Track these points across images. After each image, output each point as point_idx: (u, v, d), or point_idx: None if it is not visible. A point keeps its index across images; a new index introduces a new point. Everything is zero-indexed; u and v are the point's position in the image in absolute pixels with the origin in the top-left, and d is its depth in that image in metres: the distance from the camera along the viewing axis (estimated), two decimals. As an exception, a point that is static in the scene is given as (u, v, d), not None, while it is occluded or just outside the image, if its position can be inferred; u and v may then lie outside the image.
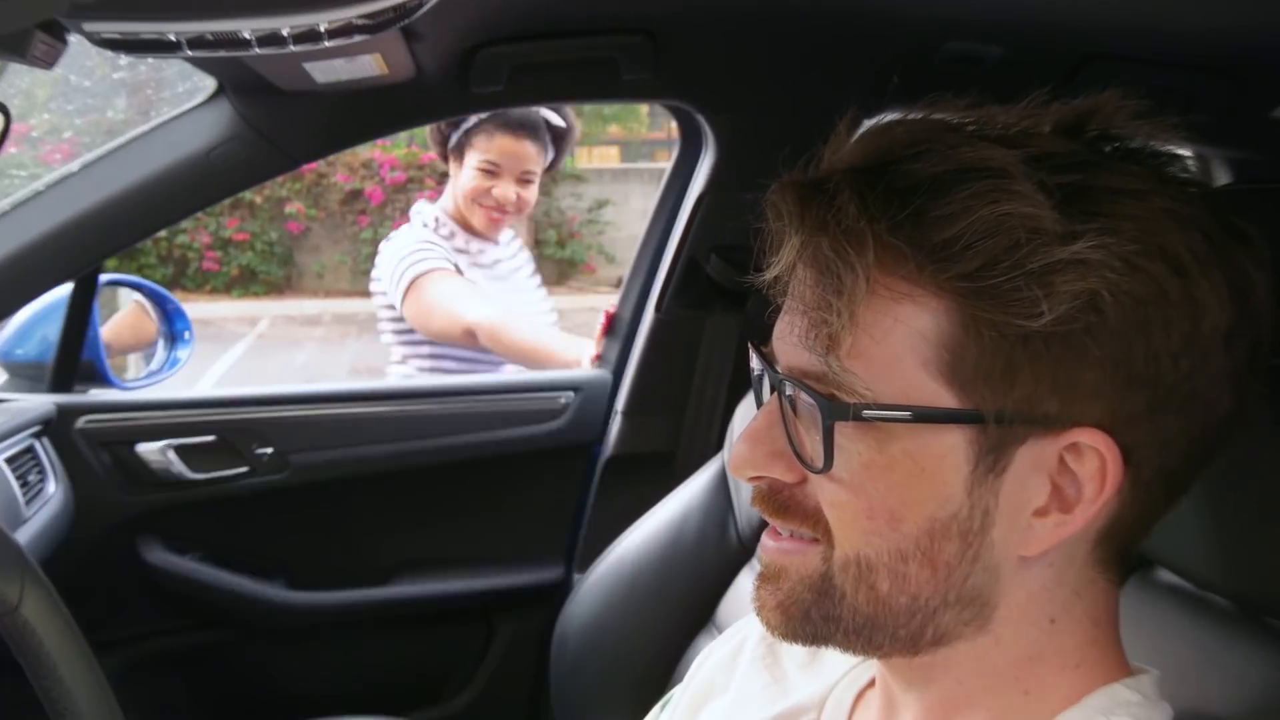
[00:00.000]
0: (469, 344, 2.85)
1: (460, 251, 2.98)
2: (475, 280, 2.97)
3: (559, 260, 14.83)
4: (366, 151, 13.46)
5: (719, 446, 2.34)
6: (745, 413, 1.94)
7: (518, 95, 2.06)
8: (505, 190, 2.93)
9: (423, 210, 3.02)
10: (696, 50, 2.01)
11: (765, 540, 0.86)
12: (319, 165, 13.32)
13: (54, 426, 2.28)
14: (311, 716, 2.12)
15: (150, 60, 2.20)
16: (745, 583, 1.85)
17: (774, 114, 2.13)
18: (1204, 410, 0.77)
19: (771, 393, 0.85)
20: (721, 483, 2.03)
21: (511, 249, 3.13)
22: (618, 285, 3.04)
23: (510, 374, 2.94)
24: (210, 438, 2.40)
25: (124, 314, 2.65)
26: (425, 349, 2.95)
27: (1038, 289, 0.72)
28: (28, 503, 2.04)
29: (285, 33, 1.26)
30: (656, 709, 1.16)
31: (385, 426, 2.51)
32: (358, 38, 1.31)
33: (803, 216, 0.78)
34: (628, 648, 2.03)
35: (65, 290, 2.31)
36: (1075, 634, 0.82)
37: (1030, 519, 0.78)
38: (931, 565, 0.79)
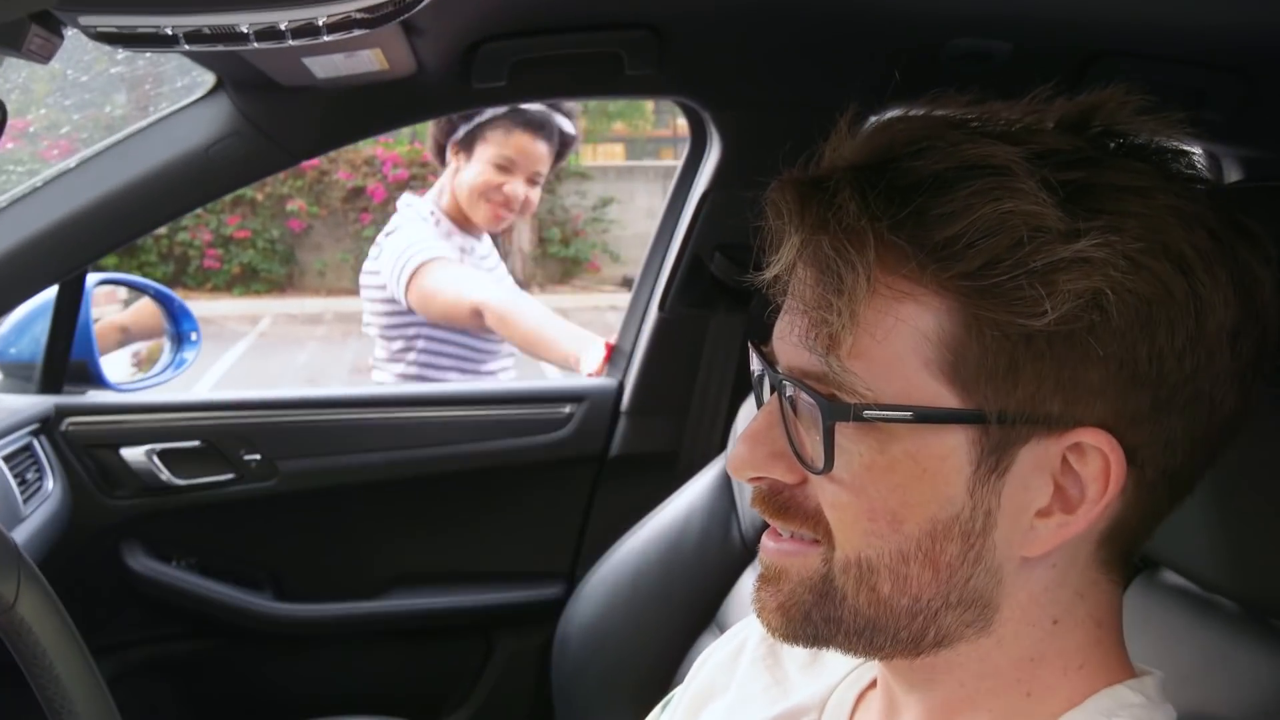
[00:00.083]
0: (474, 325, 2.84)
1: (462, 251, 2.97)
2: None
3: (563, 259, 14.85)
4: (369, 149, 13.48)
5: (722, 447, 2.33)
6: (748, 413, 1.94)
7: (520, 91, 2.05)
8: (517, 188, 2.93)
9: (412, 203, 3.01)
10: (701, 46, 2.00)
11: (765, 541, 0.86)
12: (321, 163, 13.36)
13: (48, 426, 2.27)
14: None
15: (148, 55, 2.18)
16: (748, 584, 1.84)
17: (779, 111, 2.12)
18: (1208, 410, 0.77)
19: (772, 393, 0.84)
20: (725, 483, 2.03)
21: (489, 247, 3.13)
22: (622, 284, 3.03)
23: (513, 383, 2.93)
24: (196, 443, 2.38)
25: (143, 301, 2.63)
26: (420, 343, 2.94)
27: (1040, 288, 0.71)
28: (25, 501, 2.04)
29: (283, 27, 1.25)
30: (657, 710, 1.16)
31: (380, 434, 2.48)
32: (357, 32, 1.30)
33: (803, 215, 0.77)
34: (630, 649, 2.02)
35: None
36: (1078, 635, 0.81)
37: (1033, 520, 0.77)
38: (933, 566, 0.78)
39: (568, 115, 2.99)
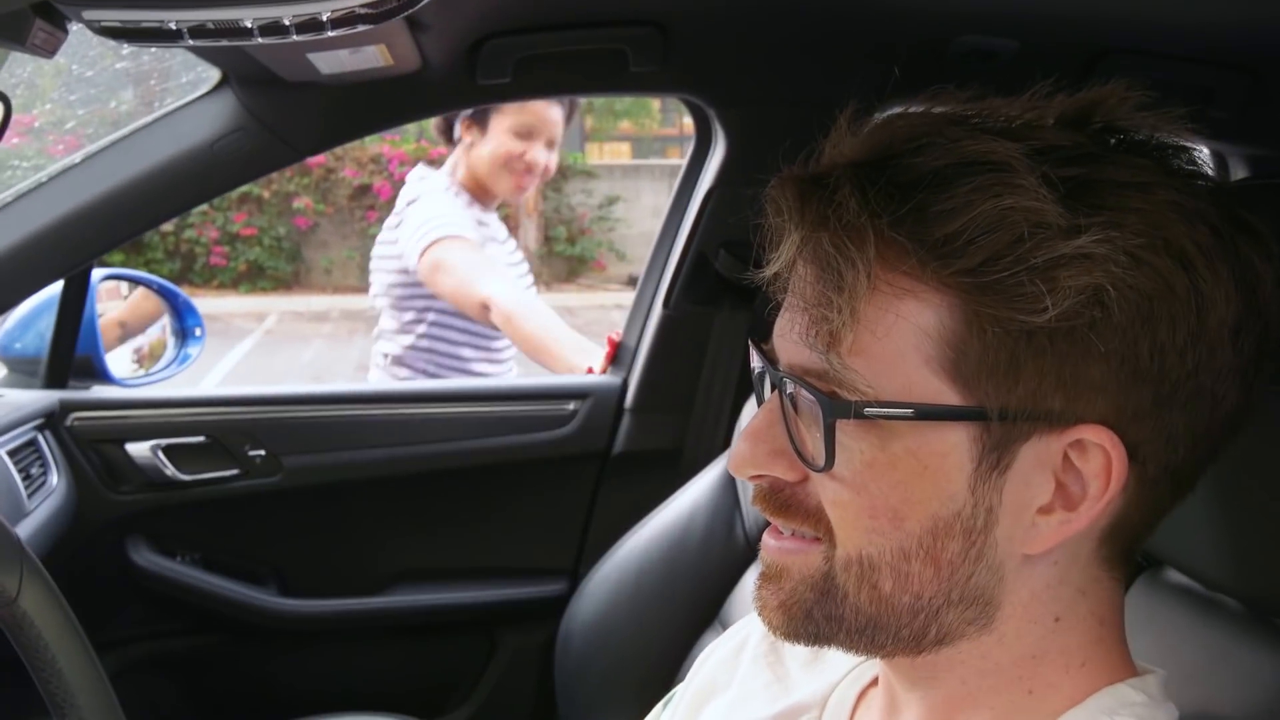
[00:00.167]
0: (479, 316, 2.84)
1: (480, 224, 2.98)
2: (494, 258, 2.97)
3: (569, 257, 14.84)
4: (375, 146, 13.49)
5: (726, 444, 2.33)
6: (752, 411, 1.94)
7: (524, 87, 2.05)
8: (538, 154, 2.94)
9: (426, 175, 3.01)
10: (706, 43, 2.00)
11: (767, 539, 0.86)
12: (327, 160, 13.37)
13: (53, 421, 2.28)
14: None
15: (153, 50, 2.19)
16: (751, 582, 1.83)
17: (784, 108, 2.12)
18: (1210, 406, 0.76)
19: (772, 391, 0.84)
20: (728, 481, 2.03)
21: (499, 222, 3.14)
22: (628, 282, 3.03)
23: (516, 380, 2.93)
24: (201, 438, 2.38)
25: (136, 296, 2.63)
26: (431, 315, 2.94)
27: (1041, 284, 0.71)
28: (30, 496, 2.04)
29: (287, 22, 1.25)
30: (659, 707, 1.16)
31: (385, 430, 2.48)
32: (361, 27, 1.30)
33: (803, 212, 0.77)
34: (633, 646, 2.02)
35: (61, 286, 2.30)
36: (1080, 633, 0.81)
37: (1034, 517, 0.77)
38: (934, 564, 0.78)
39: None
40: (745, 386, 2.46)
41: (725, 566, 1.97)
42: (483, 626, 2.58)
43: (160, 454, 2.34)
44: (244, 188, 12.93)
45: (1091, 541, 0.79)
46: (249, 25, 1.25)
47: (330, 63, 1.75)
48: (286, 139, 2.00)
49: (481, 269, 2.83)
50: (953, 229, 0.73)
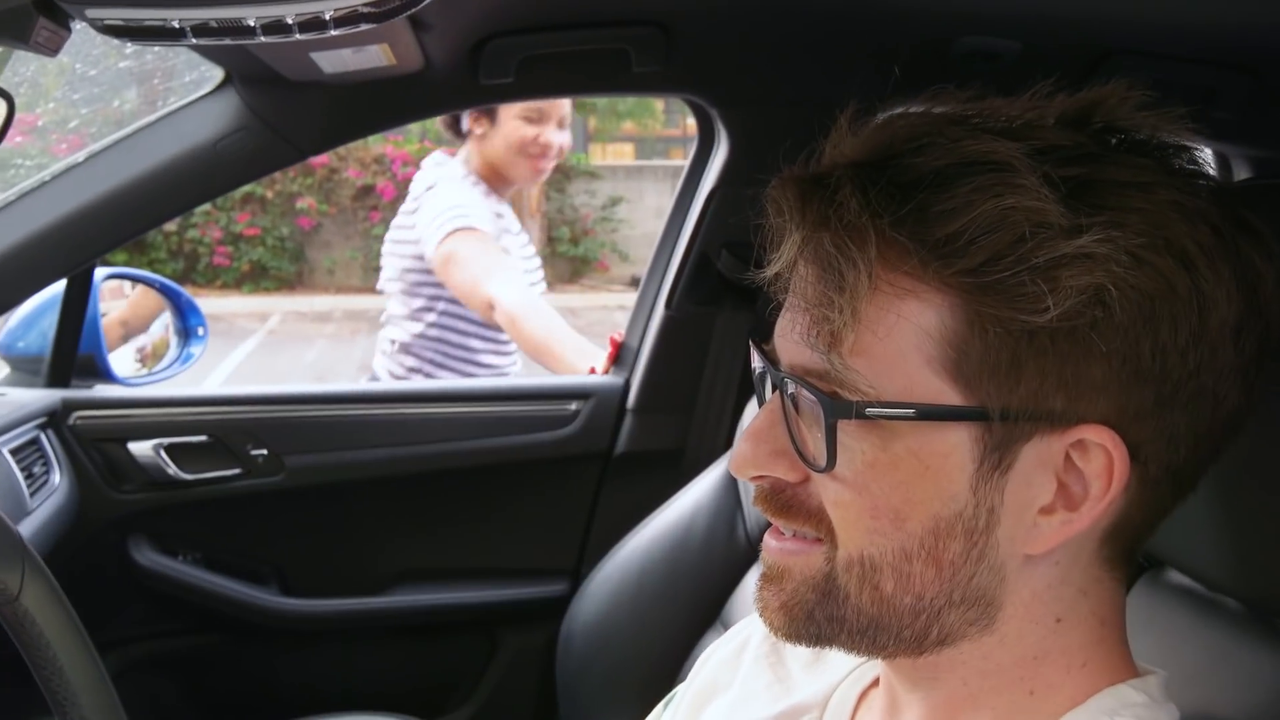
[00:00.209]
0: (483, 313, 2.86)
1: (497, 216, 3.00)
2: (509, 252, 2.98)
3: (572, 258, 14.83)
4: (378, 147, 13.49)
5: (728, 445, 2.33)
6: (754, 411, 1.93)
7: (527, 87, 2.05)
8: (552, 135, 2.96)
9: (443, 162, 3.01)
10: (708, 43, 2.00)
11: (768, 540, 0.86)
12: (331, 161, 13.37)
13: (56, 420, 2.28)
14: None
15: (157, 49, 2.20)
16: (753, 582, 1.84)
17: (786, 108, 2.12)
18: (1212, 406, 0.76)
19: (773, 391, 0.84)
20: (730, 482, 2.03)
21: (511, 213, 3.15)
22: (631, 283, 3.03)
23: (518, 380, 2.93)
24: (203, 437, 2.38)
25: (136, 294, 2.64)
26: (442, 304, 2.95)
27: (1043, 284, 0.71)
28: (32, 494, 2.04)
29: (290, 20, 1.25)
30: (660, 707, 1.16)
31: (387, 430, 2.48)
32: (364, 26, 1.29)
33: (804, 212, 0.77)
34: (635, 647, 2.02)
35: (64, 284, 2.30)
36: (1081, 633, 0.81)
37: (1036, 517, 0.77)
38: (936, 564, 0.78)
39: None
40: (747, 387, 2.46)
41: (727, 567, 1.96)
42: (484, 626, 2.58)
43: (162, 453, 2.34)
44: (247, 188, 12.99)
45: (1093, 542, 0.79)
46: (252, 24, 1.25)
47: (333, 62, 1.75)
48: (289, 138, 2.00)
49: (491, 267, 2.84)
50: (954, 229, 0.72)
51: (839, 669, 0.99)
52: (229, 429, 2.39)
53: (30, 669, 1.23)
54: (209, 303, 11.17)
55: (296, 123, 1.99)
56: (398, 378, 3.03)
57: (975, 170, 0.73)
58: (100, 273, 2.38)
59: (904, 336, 0.75)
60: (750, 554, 1.95)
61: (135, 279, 2.61)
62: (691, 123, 2.48)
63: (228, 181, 2.06)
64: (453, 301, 2.93)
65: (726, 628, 1.81)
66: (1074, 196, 0.72)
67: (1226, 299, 0.74)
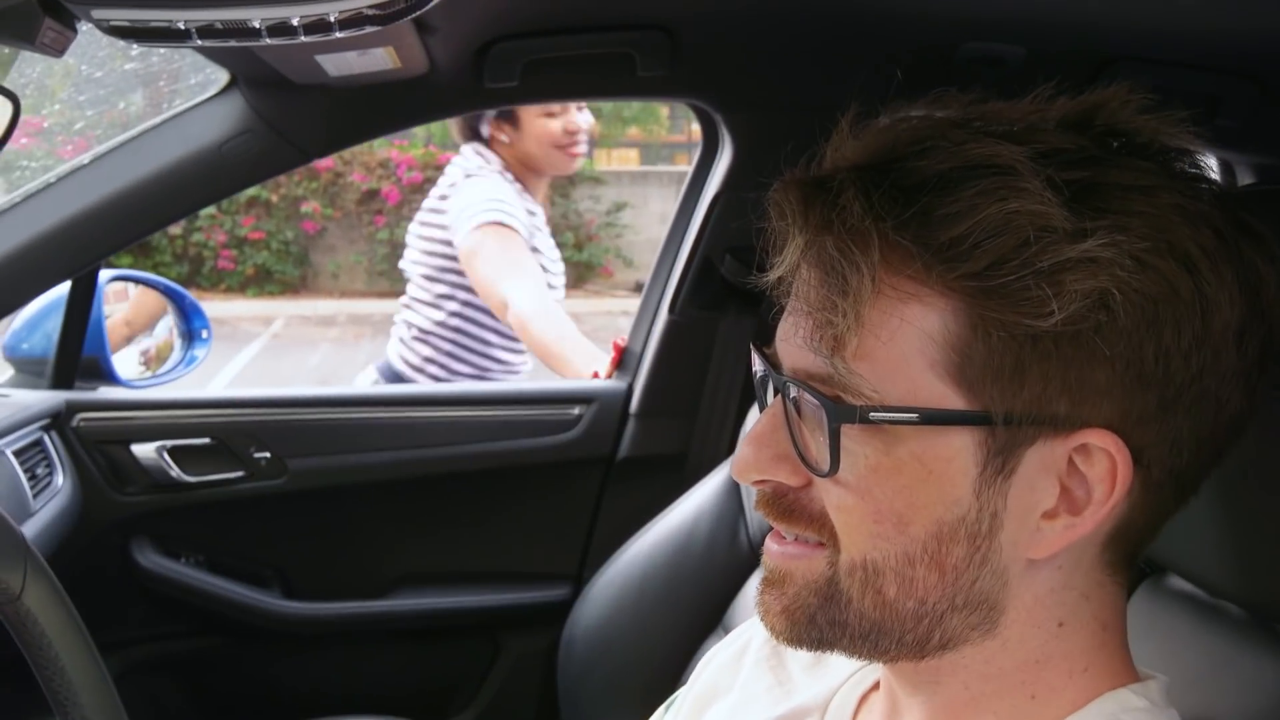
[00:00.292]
0: (498, 313, 2.89)
1: (530, 214, 3.02)
2: (541, 250, 3.01)
3: (576, 263, 14.82)
4: (383, 151, 13.49)
5: (731, 450, 2.33)
6: (757, 416, 1.94)
7: (531, 91, 2.06)
8: (576, 118, 3.01)
9: (483, 152, 3.03)
10: (713, 47, 2.00)
11: (769, 544, 0.86)
12: (336, 164, 13.36)
13: (59, 421, 2.28)
14: None
15: (162, 51, 2.20)
16: (755, 587, 1.84)
17: (790, 113, 2.11)
18: (1214, 410, 0.76)
19: (775, 395, 0.84)
20: (733, 487, 2.03)
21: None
22: (635, 289, 3.05)
23: (522, 384, 2.94)
24: (206, 440, 2.38)
25: (140, 295, 2.64)
26: (463, 294, 2.98)
27: (1047, 288, 0.71)
28: (35, 496, 2.04)
29: (295, 22, 1.25)
30: (661, 710, 1.16)
31: (390, 433, 2.48)
32: (368, 29, 1.30)
33: (806, 216, 0.77)
34: (637, 651, 2.02)
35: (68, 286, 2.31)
36: (1083, 638, 0.81)
37: (1039, 521, 0.77)
38: (939, 569, 0.78)
39: None
40: (750, 392, 2.46)
41: (729, 572, 1.96)
42: (486, 630, 2.58)
43: (165, 455, 2.34)
44: (252, 191, 12.99)
45: (1095, 546, 0.79)
46: (257, 25, 1.25)
47: (338, 65, 1.75)
48: (294, 141, 2.00)
49: (512, 267, 2.87)
50: (958, 233, 0.72)
51: (840, 672, 0.99)
52: (232, 432, 2.39)
53: (32, 669, 1.23)
54: (213, 306, 11.18)
55: (301, 125, 2.00)
56: (412, 366, 3.04)
57: (979, 174, 0.73)
58: (105, 275, 2.39)
59: (907, 340, 0.75)
60: (752, 559, 1.95)
61: (139, 281, 2.62)
62: (696, 128, 2.48)
63: (233, 184, 2.06)
64: (474, 291, 2.94)
65: (728, 632, 1.81)
66: (1077, 200, 0.72)
67: (1229, 302, 0.74)
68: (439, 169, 13.79)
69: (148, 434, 2.35)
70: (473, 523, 2.57)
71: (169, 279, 2.70)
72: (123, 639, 2.42)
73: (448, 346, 3.00)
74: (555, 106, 2.97)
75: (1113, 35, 1.73)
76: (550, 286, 3.05)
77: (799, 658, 1.03)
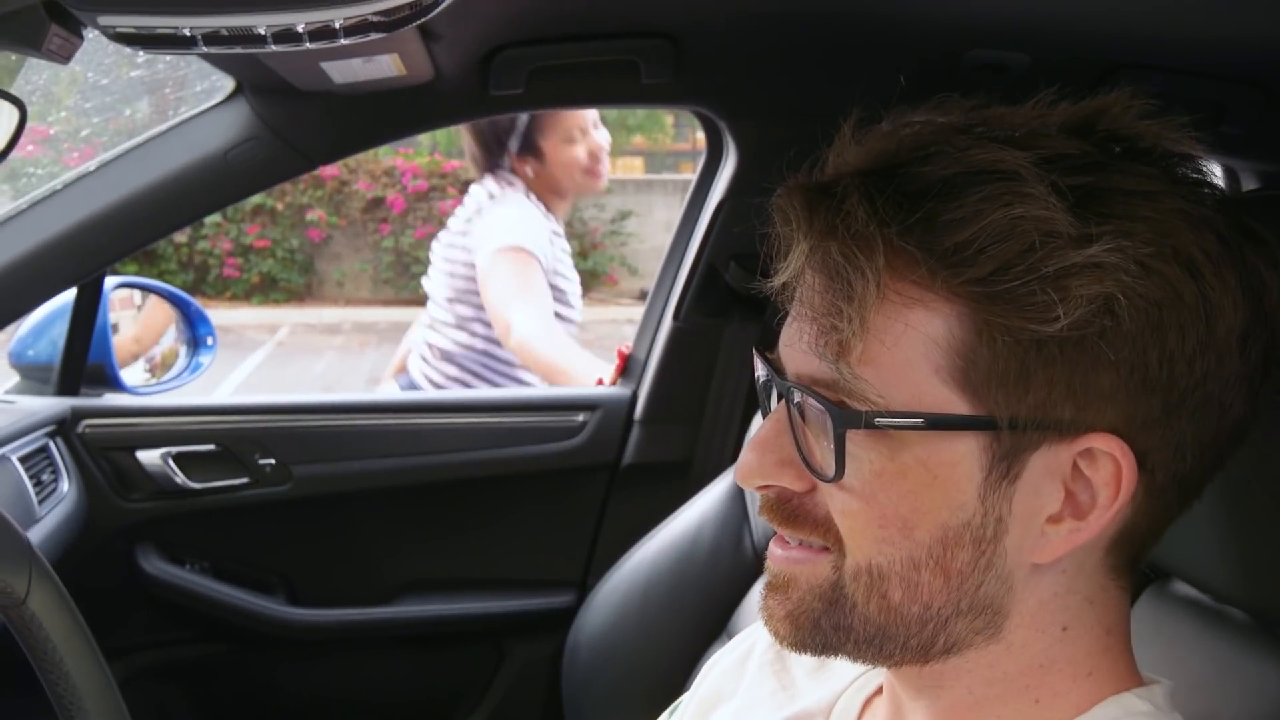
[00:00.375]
0: (500, 336, 2.90)
1: (554, 235, 3.07)
2: (563, 273, 3.06)
3: (581, 272, 14.72)
4: (388, 159, 13.50)
5: (735, 457, 2.32)
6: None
7: (537, 98, 2.05)
8: (595, 138, 3.05)
9: (515, 182, 3.05)
10: (718, 55, 2.00)
11: (773, 549, 0.86)
12: (341, 173, 13.37)
13: (64, 428, 2.28)
14: None
15: (168, 59, 2.21)
16: (759, 594, 1.84)
17: (795, 120, 2.11)
18: (1218, 414, 0.76)
19: (779, 401, 0.84)
20: (737, 493, 2.03)
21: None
22: (639, 297, 3.06)
23: (526, 390, 2.94)
24: (211, 446, 2.38)
25: (149, 309, 2.64)
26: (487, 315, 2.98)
27: (1052, 293, 0.71)
28: (41, 502, 2.05)
29: (300, 29, 1.25)
30: (665, 715, 1.16)
31: (394, 440, 2.48)
32: (374, 35, 1.30)
33: (811, 221, 0.77)
34: (641, 658, 2.02)
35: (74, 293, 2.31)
36: (1087, 642, 0.81)
37: (1044, 526, 0.77)
38: (944, 573, 0.78)
39: None
40: (755, 399, 2.44)
41: (733, 578, 1.96)
42: (491, 637, 2.57)
43: (170, 462, 2.34)
44: (257, 199, 13.01)
45: (1099, 550, 0.79)
46: (263, 32, 1.26)
47: (343, 72, 1.75)
48: (299, 148, 2.00)
49: (520, 292, 2.90)
50: (963, 238, 0.73)
51: (843, 676, 0.99)
52: (237, 438, 2.39)
53: (37, 674, 1.23)
54: (218, 314, 11.17)
55: (307, 133, 2.00)
56: (436, 385, 3.05)
57: (983, 179, 0.73)
58: (110, 282, 2.39)
59: (912, 345, 0.75)
60: (757, 566, 1.95)
61: (145, 288, 2.62)
62: (701, 137, 2.48)
63: (238, 191, 2.06)
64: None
65: (732, 639, 1.81)
66: (1082, 205, 0.72)
67: (1233, 307, 0.74)
68: (444, 177, 13.81)
69: (153, 440, 2.35)
70: (477, 529, 2.57)
71: (174, 287, 2.71)
72: (127, 645, 2.42)
73: (475, 367, 3.01)
74: (576, 132, 3.01)
75: (1117, 42, 1.73)
76: (569, 305, 3.09)
77: (803, 662, 1.03)
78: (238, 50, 1.33)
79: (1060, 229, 0.71)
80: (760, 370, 0.87)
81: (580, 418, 2.54)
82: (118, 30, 1.26)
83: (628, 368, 2.64)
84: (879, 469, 0.77)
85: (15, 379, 2.41)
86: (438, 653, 2.58)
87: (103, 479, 2.33)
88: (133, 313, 2.60)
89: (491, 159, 3.05)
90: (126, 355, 2.49)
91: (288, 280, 13.95)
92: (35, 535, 1.96)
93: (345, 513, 2.51)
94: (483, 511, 2.56)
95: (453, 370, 3.02)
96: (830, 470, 0.77)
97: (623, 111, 13.56)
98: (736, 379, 2.51)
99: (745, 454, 0.84)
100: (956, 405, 0.75)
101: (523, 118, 2.97)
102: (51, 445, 2.20)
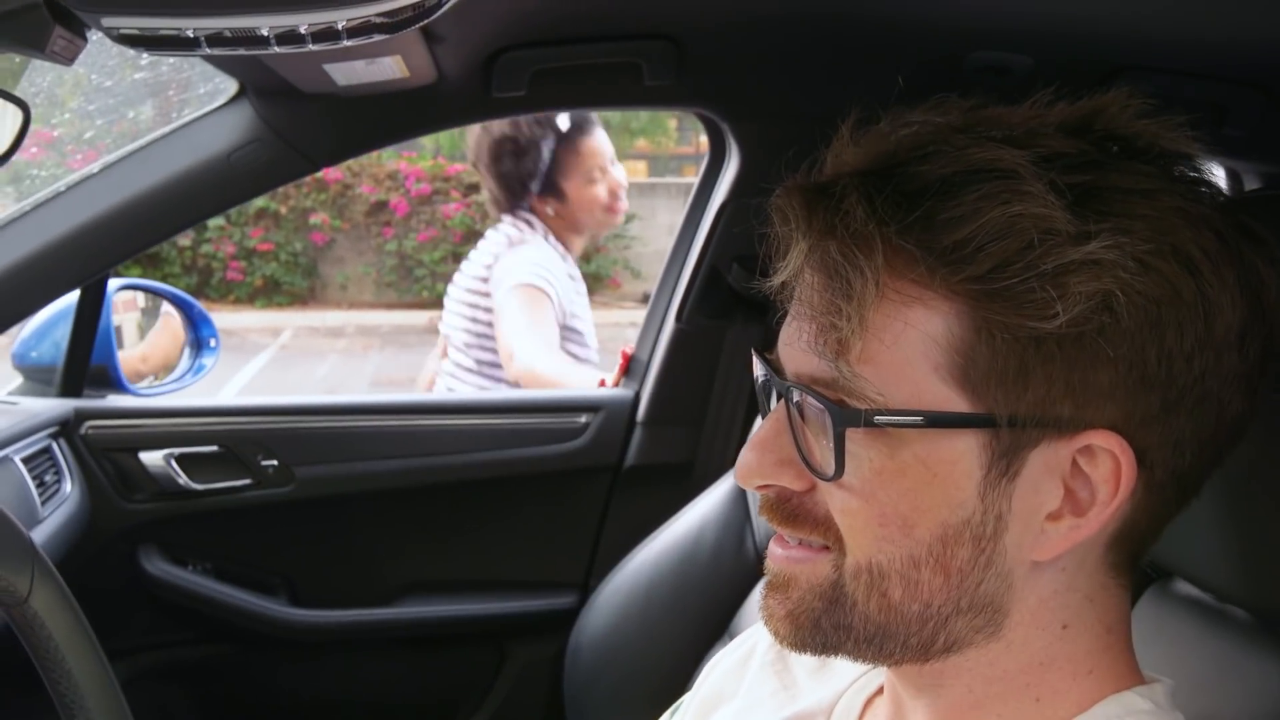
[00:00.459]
0: (504, 364, 2.93)
1: (570, 278, 3.10)
2: (579, 315, 3.08)
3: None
4: (392, 163, 13.51)
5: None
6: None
7: (539, 100, 2.06)
8: (614, 176, 3.08)
9: (536, 225, 3.08)
10: (720, 57, 2.00)
11: (773, 548, 0.86)
12: (344, 176, 13.38)
13: (68, 429, 2.28)
14: None
15: (171, 61, 2.21)
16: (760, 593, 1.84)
17: (797, 122, 2.11)
18: (1216, 411, 0.77)
19: (778, 400, 0.84)
20: (739, 495, 2.03)
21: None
22: (642, 300, 3.07)
23: (528, 392, 2.95)
24: (214, 448, 2.38)
25: (160, 328, 2.65)
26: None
27: (1051, 290, 0.71)
28: (44, 503, 2.05)
29: (304, 30, 1.25)
30: (666, 716, 1.16)
31: (397, 441, 2.48)
32: (377, 37, 1.30)
33: (810, 220, 0.77)
34: (643, 660, 2.02)
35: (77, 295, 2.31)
36: (1087, 640, 0.81)
37: (1043, 523, 0.77)
38: (944, 571, 0.78)
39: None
40: (757, 401, 2.45)
41: (735, 580, 1.96)
42: (492, 639, 2.57)
43: (173, 463, 2.34)
44: (261, 202, 13.00)
45: (1099, 547, 0.79)
46: (265, 34, 1.26)
47: (346, 74, 1.75)
48: (302, 150, 2.00)
49: (530, 326, 2.91)
50: (961, 236, 0.73)
51: (844, 676, 0.99)
52: (239, 439, 2.39)
53: (39, 672, 1.24)
54: (222, 317, 11.18)
55: (310, 135, 2.00)
56: None
57: (981, 178, 0.73)
58: (113, 284, 2.39)
59: (911, 344, 0.75)
60: (758, 566, 1.94)
61: (148, 290, 2.62)
62: (704, 140, 2.48)
63: (241, 193, 2.06)
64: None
65: (734, 640, 1.81)
66: (1080, 203, 0.72)
67: (1231, 304, 0.74)
68: (447, 180, 13.77)
69: (156, 442, 2.36)
70: (479, 530, 2.57)
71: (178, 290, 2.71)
72: (130, 646, 2.43)
73: None
74: (596, 172, 3.04)
75: (1119, 44, 1.73)
76: (584, 346, 3.11)
77: (804, 662, 1.03)
78: (241, 52, 1.33)
79: (1059, 226, 0.71)
80: (759, 370, 0.87)
81: (583, 419, 2.54)
82: (121, 32, 1.26)
83: (630, 369, 2.64)
84: (879, 467, 0.77)
85: (18, 380, 2.41)
86: (439, 654, 2.58)
87: (105, 480, 2.33)
88: (136, 314, 2.60)
89: (513, 200, 3.06)
90: (130, 373, 2.49)
91: (291, 283, 13.95)
92: (38, 536, 1.96)
93: (348, 514, 2.50)
94: (485, 513, 2.56)
95: None
96: (830, 469, 0.78)
97: (626, 114, 13.58)
98: (739, 381, 2.51)
99: (745, 454, 0.84)
100: (956, 403, 0.75)
101: (545, 160, 2.99)
102: (54, 446, 2.20)
